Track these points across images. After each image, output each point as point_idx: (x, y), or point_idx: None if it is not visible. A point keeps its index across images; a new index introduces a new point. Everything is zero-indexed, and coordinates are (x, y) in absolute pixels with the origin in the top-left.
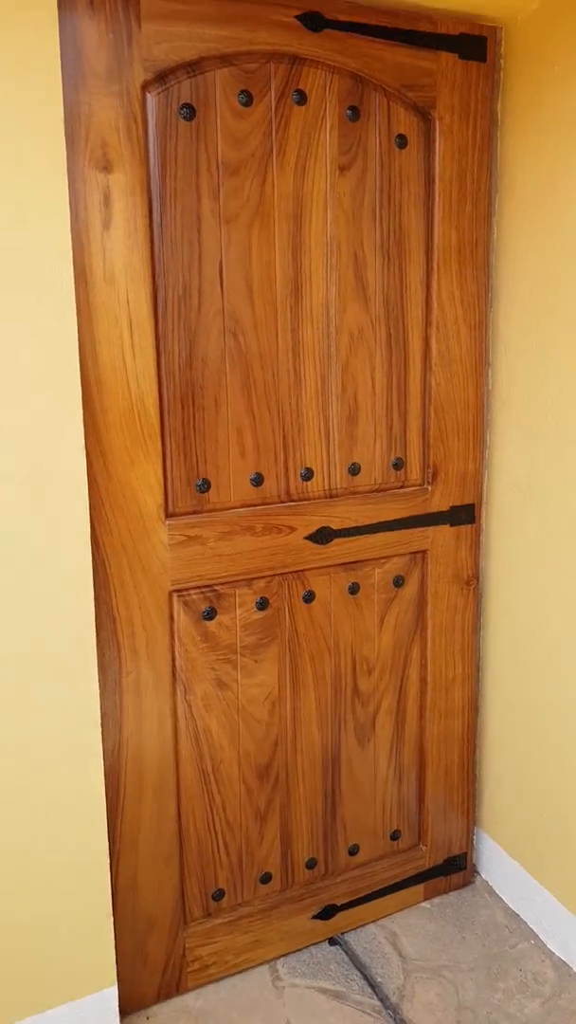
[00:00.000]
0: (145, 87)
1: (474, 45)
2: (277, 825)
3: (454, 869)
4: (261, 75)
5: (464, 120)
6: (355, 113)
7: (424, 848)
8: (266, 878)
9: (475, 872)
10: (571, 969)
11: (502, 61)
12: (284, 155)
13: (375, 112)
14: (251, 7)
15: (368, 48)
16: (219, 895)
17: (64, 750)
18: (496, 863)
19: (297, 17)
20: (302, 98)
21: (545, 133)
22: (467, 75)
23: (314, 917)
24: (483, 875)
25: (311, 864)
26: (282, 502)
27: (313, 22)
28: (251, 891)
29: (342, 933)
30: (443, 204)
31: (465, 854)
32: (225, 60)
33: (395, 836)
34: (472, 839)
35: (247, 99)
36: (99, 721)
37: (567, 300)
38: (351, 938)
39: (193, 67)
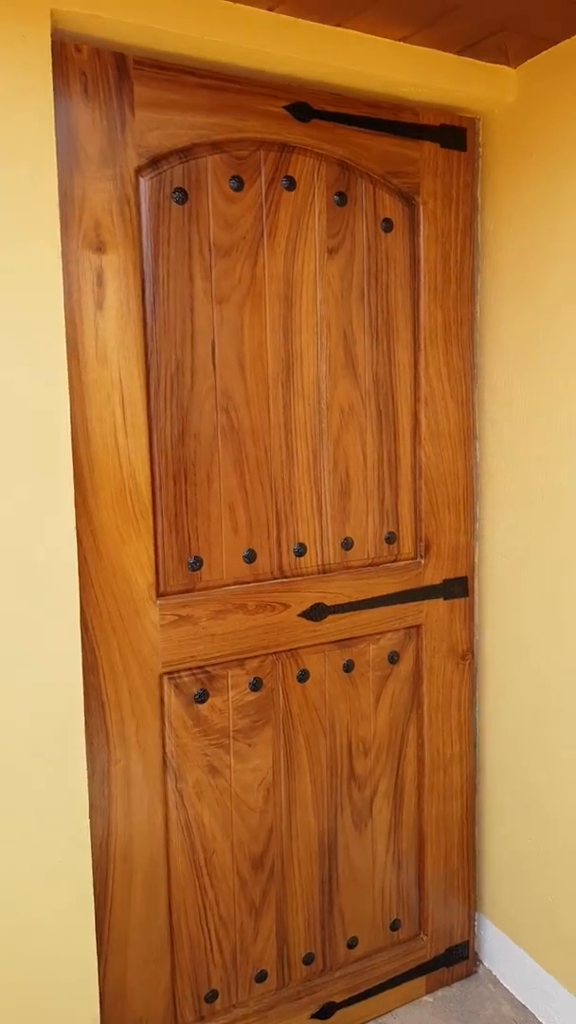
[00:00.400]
0: (138, 171)
1: (454, 135)
2: (272, 919)
3: (456, 959)
4: (251, 161)
5: (447, 205)
6: (342, 198)
7: (425, 938)
8: (261, 976)
9: (478, 961)
10: None
11: (481, 149)
12: (275, 238)
13: (361, 197)
14: (241, 97)
15: (354, 137)
16: (212, 996)
17: (51, 848)
18: (500, 951)
19: (286, 107)
20: (291, 184)
21: (523, 217)
22: (448, 163)
23: (313, 1016)
24: (486, 964)
25: (308, 959)
26: (275, 579)
27: (301, 112)
28: (246, 991)
29: None
30: (428, 285)
31: (467, 942)
32: (216, 147)
33: (395, 926)
34: (474, 926)
35: (238, 184)
36: (87, 814)
37: (548, 376)
38: None
39: (185, 153)
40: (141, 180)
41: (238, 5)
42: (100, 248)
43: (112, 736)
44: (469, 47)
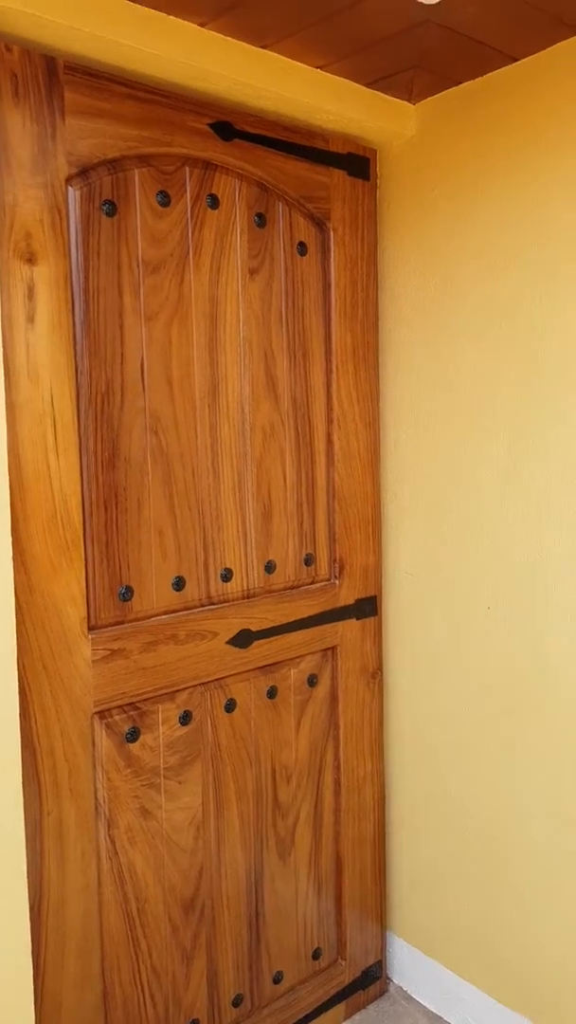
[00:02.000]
0: (68, 180)
1: (359, 164)
2: (204, 963)
3: (371, 980)
4: (178, 177)
5: (354, 232)
6: (262, 219)
7: (343, 963)
8: None
9: (388, 979)
10: None
11: (379, 180)
12: (200, 256)
13: (279, 219)
14: (169, 112)
15: (272, 159)
16: None
17: None
18: (411, 966)
19: (210, 125)
20: (215, 202)
21: (416, 247)
22: (355, 191)
23: None
24: (396, 980)
25: (238, 1001)
26: (203, 606)
27: (224, 131)
28: None
29: None
30: (339, 308)
31: (380, 962)
32: (144, 160)
33: (316, 955)
34: (385, 945)
35: (165, 199)
36: (25, 876)
37: (445, 398)
38: None
39: (114, 164)
40: (71, 189)
41: (171, 17)
42: (31, 259)
43: (44, 784)
44: (379, 80)
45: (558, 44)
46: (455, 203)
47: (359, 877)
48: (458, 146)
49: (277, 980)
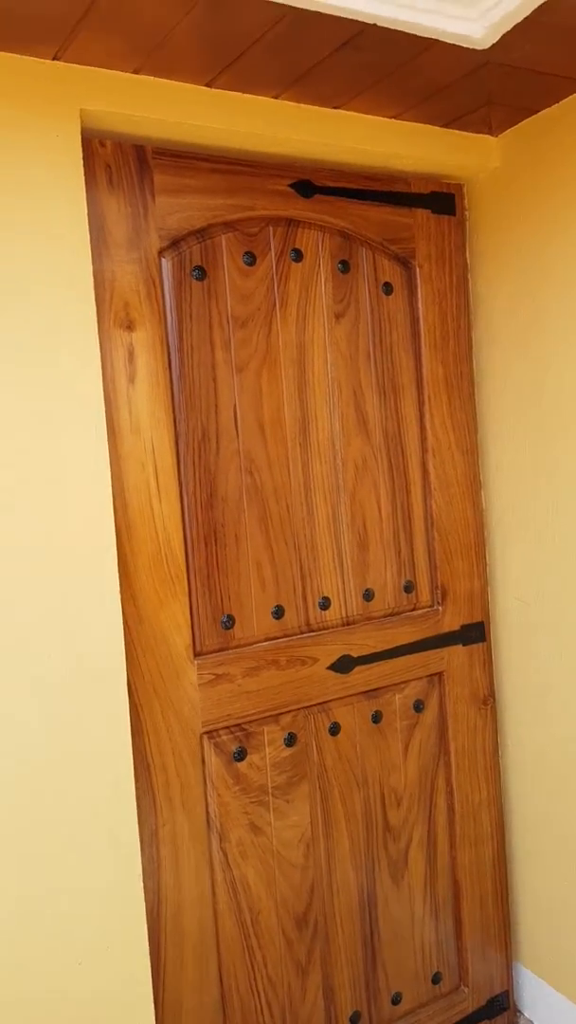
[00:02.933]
0: (160, 253)
1: (444, 201)
2: (319, 977)
3: (498, 1010)
4: (262, 237)
5: (441, 267)
6: (345, 266)
7: (466, 990)
8: None
9: (518, 1011)
10: None
11: (468, 213)
12: (286, 307)
13: (363, 264)
14: (250, 179)
15: (353, 208)
16: None
17: (108, 915)
18: (540, 999)
19: (291, 185)
20: (298, 256)
21: (509, 275)
22: (440, 227)
23: None
24: (526, 1014)
25: (355, 1018)
26: (303, 633)
27: (305, 189)
28: None
29: None
30: (428, 342)
31: (507, 992)
32: (229, 226)
33: (436, 979)
34: (512, 975)
35: (251, 259)
36: (142, 881)
37: (546, 423)
38: None
39: (202, 233)
40: (163, 260)
41: (246, 95)
42: (130, 326)
43: (158, 798)
44: (455, 120)
45: None
46: (544, 230)
47: (479, 903)
48: (543, 173)
49: (396, 1001)
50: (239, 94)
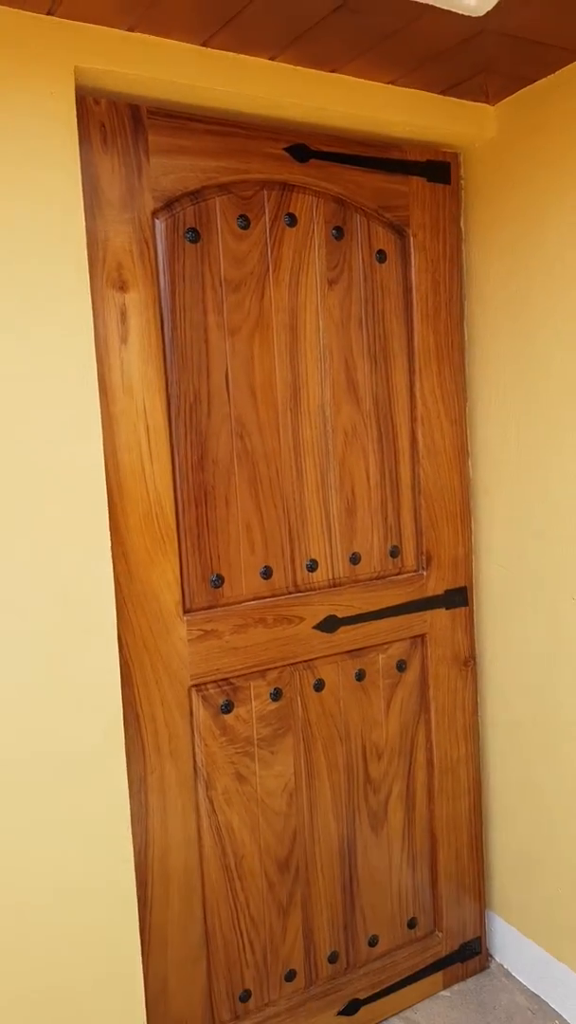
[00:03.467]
0: (154, 214)
1: (439, 170)
2: (299, 919)
3: (470, 954)
4: (256, 201)
5: (435, 236)
6: (339, 232)
7: (440, 935)
8: (291, 975)
9: (489, 956)
10: None
11: (463, 182)
12: (279, 272)
13: (357, 231)
14: (245, 141)
15: (348, 174)
16: (246, 996)
17: (96, 856)
18: (511, 945)
19: (286, 149)
20: (293, 220)
21: (504, 245)
22: (435, 196)
23: (339, 1013)
24: (497, 958)
25: (333, 958)
26: (290, 593)
27: (300, 153)
28: (277, 990)
29: None
30: (420, 311)
31: (479, 938)
32: (224, 188)
33: (412, 924)
34: (485, 922)
35: (245, 222)
36: (130, 823)
37: (535, 394)
38: None
39: (196, 195)
40: (157, 222)
41: (241, 56)
42: (122, 287)
43: (148, 747)
44: (452, 87)
45: None
46: (538, 201)
47: (455, 854)
48: (538, 143)
49: (372, 943)
50: (235, 54)
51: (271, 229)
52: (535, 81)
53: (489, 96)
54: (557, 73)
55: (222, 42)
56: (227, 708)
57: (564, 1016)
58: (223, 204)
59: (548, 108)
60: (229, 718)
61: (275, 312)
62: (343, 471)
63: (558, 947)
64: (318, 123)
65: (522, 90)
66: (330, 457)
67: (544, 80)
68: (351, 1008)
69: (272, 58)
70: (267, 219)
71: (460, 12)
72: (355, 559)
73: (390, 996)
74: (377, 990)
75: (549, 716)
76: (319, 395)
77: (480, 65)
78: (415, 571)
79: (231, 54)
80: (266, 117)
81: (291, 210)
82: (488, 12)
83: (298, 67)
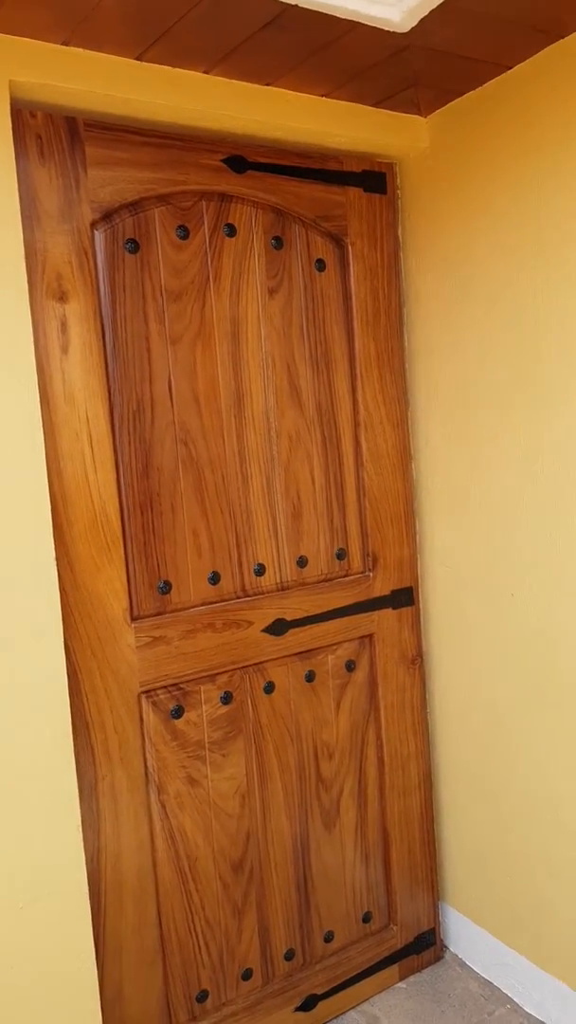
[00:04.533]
0: (93, 225)
1: (375, 180)
2: (254, 918)
3: (424, 946)
4: (195, 211)
5: (372, 244)
6: (279, 242)
7: (395, 928)
8: (247, 974)
9: (444, 947)
10: None
11: (399, 192)
12: (220, 281)
13: (296, 240)
14: (183, 153)
15: (286, 185)
16: (203, 996)
17: (48, 864)
18: (464, 935)
19: (223, 160)
20: (232, 231)
21: (439, 252)
22: (372, 205)
23: (296, 1009)
24: (452, 948)
25: (289, 955)
26: (239, 598)
27: (237, 164)
28: (234, 989)
29: (325, 1023)
30: (360, 318)
31: (433, 930)
32: (162, 199)
33: (367, 919)
34: (438, 914)
35: (184, 233)
36: (80, 829)
37: (474, 398)
38: None
39: (135, 206)
40: (96, 233)
41: (176, 70)
42: (62, 297)
43: (98, 753)
44: (384, 100)
45: (542, 51)
46: (468, 209)
47: (407, 848)
48: (468, 153)
49: (328, 939)
50: (168, 68)
51: (211, 239)
52: (464, 93)
53: (421, 108)
54: (484, 86)
55: (156, 56)
56: (177, 713)
57: (515, 1000)
58: (162, 215)
59: (477, 119)
60: (180, 723)
61: (217, 320)
62: (288, 476)
63: (510, 935)
64: (255, 135)
65: (452, 102)
66: (275, 462)
67: (473, 92)
68: (308, 1004)
69: (206, 72)
70: (206, 229)
71: (385, 28)
72: (302, 562)
73: (347, 990)
74: (334, 985)
75: (496, 711)
76: (263, 401)
77: (410, 79)
78: (362, 572)
79: (164, 67)
80: (203, 129)
81: (230, 220)
82: (413, 28)
83: (232, 80)
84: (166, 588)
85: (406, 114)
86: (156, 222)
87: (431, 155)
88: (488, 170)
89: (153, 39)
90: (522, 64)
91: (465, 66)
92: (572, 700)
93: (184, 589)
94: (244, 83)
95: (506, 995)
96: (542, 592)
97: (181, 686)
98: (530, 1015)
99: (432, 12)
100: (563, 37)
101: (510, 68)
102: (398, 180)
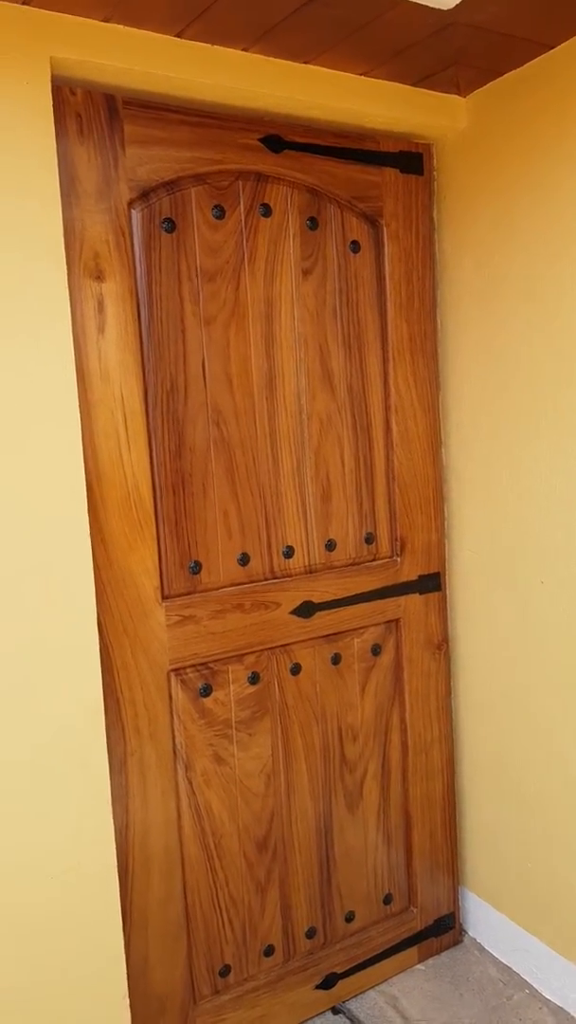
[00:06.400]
0: (130, 204)
1: (412, 160)
2: (277, 896)
3: (444, 929)
4: (231, 191)
5: (408, 226)
6: (314, 223)
7: (415, 910)
8: (269, 951)
9: (463, 931)
10: (569, 1014)
11: (436, 173)
12: (255, 262)
13: (331, 221)
14: (220, 132)
15: (322, 165)
16: (226, 971)
17: (78, 835)
18: (483, 919)
19: (260, 140)
20: (267, 211)
21: (477, 235)
22: (408, 186)
23: (317, 987)
24: (471, 933)
25: (311, 933)
26: (267, 579)
27: (274, 144)
28: (256, 965)
29: (344, 1001)
30: (394, 301)
31: (452, 913)
32: (199, 179)
33: (387, 900)
34: (458, 898)
35: (220, 213)
36: (110, 803)
37: (507, 382)
38: (353, 1005)
39: (172, 185)
40: (133, 212)
41: (215, 47)
42: (99, 276)
43: (128, 729)
44: (424, 79)
45: None
46: (508, 193)
47: (428, 832)
48: (509, 135)
49: (349, 919)
50: (208, 45)
51: (246, 219)
52: (505, 73)
53: (461, 88)
54: (526, 66)
55: (196, 33)
56: (206, 692)
57: (534, 986)
58: (198, 194)
59: (518, 100)
60: (208, 701)
61: (251, 301)
62: (318, 458)
63: (529, 920)
64: (292, 114)
65: (493, 82)
66: (305, 445)
67: (514, 72)
68: (328, 982)
69: (245, 49)
70: (242, 209)
71: (430, 5)
72: (331, 545)
73: (367, 970)
74: (354, 964)
75: (520, 697)
76: (295, 383)
77: (451, 57)
78: (389, 557)
79: (205, 45)
80: (240, 108)
81: (266, 200)
82: (457, 5)
83: (271, 58)
84: (196, 568)
85: (445, 94)
86: (192, 202)
87: (469, 137)
88: (528, 153)
89: (194, 16)
90: (566, 43)
91: (507, 45)
92: None
93: (214, 570)
94: (283, 61)
95: (525, 980)
96: (572, 580)
97: (210, 665)
98: (548, 1000)
99: None
100: None
101: (553, 47)
102: (435, 161)
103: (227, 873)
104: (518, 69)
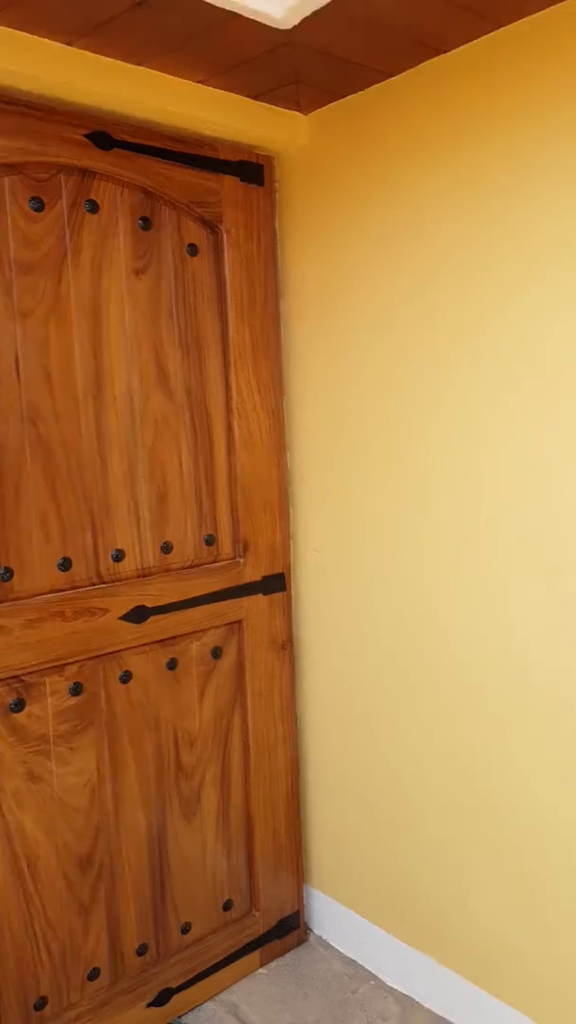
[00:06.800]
0: None
1: (252, 171)
2: (103, 915)
3: (288, 930)
4: (52, 184)
5: (249, 233)
6: (147, 223)
7: (257, 914)
8: (94, 974)
9: (308, 930)
10: (413, 1000)
11: (278, 185)
12: (79, 257)
13: (166, 223)
14: (41, 124)
15: (156, 167)
16: (41, 1003)
17: None
18: (329, 916)
19: (87, 135)
20: (94, 207)
21: (317, 247)
22: (248, 196)
23: (149, 1005)
24: (316, 931)
25: (142, 950)
26: (93, 584)
27: (102, 140)
28: (78, 992)
29: (180, 1016)
30: (235, 306)
31: (297, 913)
32: (14, 168)
33: (227, 906)
34: (303, 897)
35: (39, 205)
36: None
37: (347, 389)
38: (190, 1019)
39: None
40: None
41: (33, 37)
42: None
43: None
44: (264, 93)
45: (425, 62)
46: (348, 209)
47: (272, 833)
48: (350, 154)
49: (185, 931)
50: (24, 34)
51: (70, 214)
52: (347, 96)
53: (302, 105)
54: (367, 90)
55: (13, 20)
56: (18, 706)
57: (380, 977)
58: (13, 184)
59: (359, 122)
60: (20, 716)
61: (74, 297)
62: (153, 460)
63: (375, 913)
64: (124, 113)
65: (334, 103)
66: (139, 446)
67: (355, 95)
68: (162, 998)
69: (69, 43)
70: (65, 203)
71: (266, 23)
72: (167, 548)
73: (204, 981)
74: (190, 977)
75: (361, 694)
76: (126, 383)
77: (290, 76)
78: (232, 559)
79: (23, 34)
80: (66, 102)
81: (92, 197)
82: (295, 27)
83: (99, 56)
84: (7, 575)
85: (286, 109)
86: (5, 191)
87: (312, 153)
88: (370, 173)
89: (9, 2)
90: (405, 73)
91: (347, 69)
92: (436, 682)
93: (29, 576)
94: (112, 60)
95: (371, 972)
96: (408, 579)
97: (22, 678)
98: (394, 989)
99: (315, 13)
100: (445, 52)
101: (392, 76)
102: (277, 173)
103: (44, 897)
104: (359, 93)
